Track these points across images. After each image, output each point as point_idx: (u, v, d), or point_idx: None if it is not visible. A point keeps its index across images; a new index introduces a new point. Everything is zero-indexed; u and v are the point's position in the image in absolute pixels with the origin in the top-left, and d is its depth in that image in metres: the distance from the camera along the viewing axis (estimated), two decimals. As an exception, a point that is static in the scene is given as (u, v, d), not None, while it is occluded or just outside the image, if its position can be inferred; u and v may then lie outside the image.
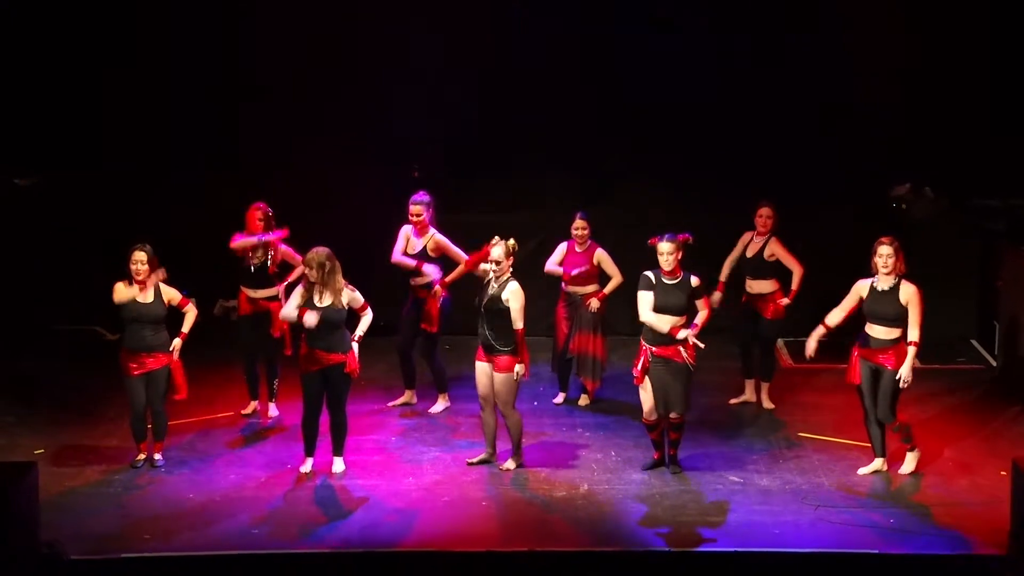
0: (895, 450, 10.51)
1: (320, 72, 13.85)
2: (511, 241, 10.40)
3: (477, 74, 13.77)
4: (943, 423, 11.59)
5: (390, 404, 12.17)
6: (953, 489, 10.16)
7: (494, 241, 10.44)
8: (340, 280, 10.28)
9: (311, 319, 10.12)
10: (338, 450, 10.66)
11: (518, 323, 10.31)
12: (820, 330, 10.37)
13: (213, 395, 12.30)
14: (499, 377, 10.41)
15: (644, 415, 10.41)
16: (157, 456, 10.71)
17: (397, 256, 11.71)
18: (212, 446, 11.21)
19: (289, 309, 10.42)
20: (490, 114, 13.88)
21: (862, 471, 10.49)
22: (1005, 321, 12.93)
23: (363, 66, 13.86)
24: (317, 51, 13.76)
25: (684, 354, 10.13)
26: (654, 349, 10.21)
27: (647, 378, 10.25)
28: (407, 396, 12.20)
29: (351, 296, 10.35)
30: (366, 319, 10.49)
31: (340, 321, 10.32)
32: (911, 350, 10.04)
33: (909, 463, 10.48)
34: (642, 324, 10.28)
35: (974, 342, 13.93)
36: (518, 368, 10.34)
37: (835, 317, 10.36)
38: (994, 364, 13.32)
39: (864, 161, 13.84)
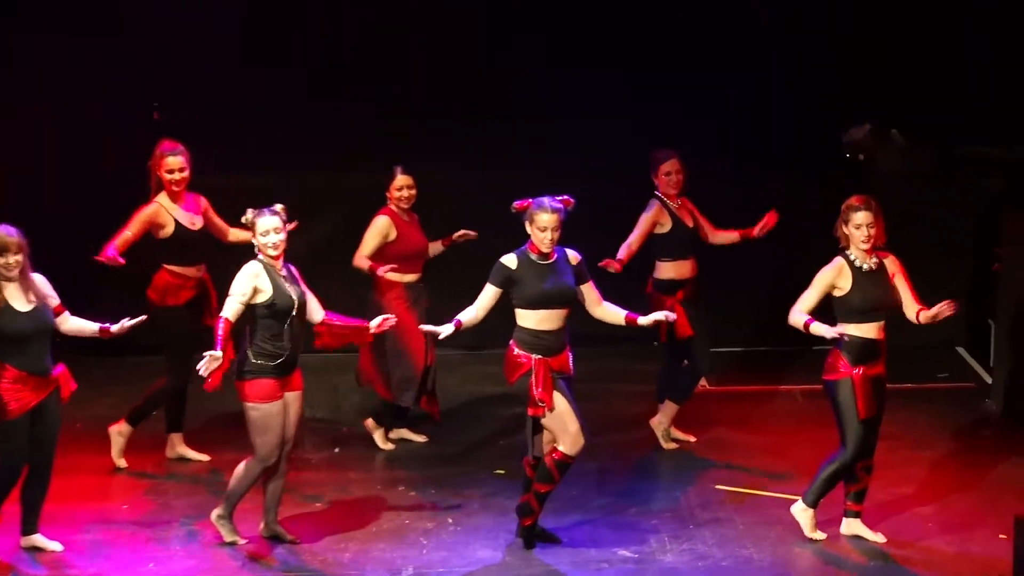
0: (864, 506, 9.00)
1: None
2: (279, 206, 8.52)
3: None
4: (919, 467, 10.09)
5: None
6: (936, 562, 8.55)
7: (248, 216, 8.42)
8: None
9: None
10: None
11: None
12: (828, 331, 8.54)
13: None
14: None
15: (566, 448, 8.51)
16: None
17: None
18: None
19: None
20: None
21: (814, 535, 8.77)
22: (1006, 319, 11.45)
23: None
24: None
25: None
26: (549, 360, 8.45)
27: (557, 397, 8.48)
28: None
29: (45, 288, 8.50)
30: (78, 322, 8.58)
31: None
32: (936, 309, 8.44)
33: (854, 526, 8.85)
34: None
35: (960, 350, 12.74)
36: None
37: (804, 305, 8.54)
38: (988, 380, 11.87)
39: (812, 95, 12.32)
